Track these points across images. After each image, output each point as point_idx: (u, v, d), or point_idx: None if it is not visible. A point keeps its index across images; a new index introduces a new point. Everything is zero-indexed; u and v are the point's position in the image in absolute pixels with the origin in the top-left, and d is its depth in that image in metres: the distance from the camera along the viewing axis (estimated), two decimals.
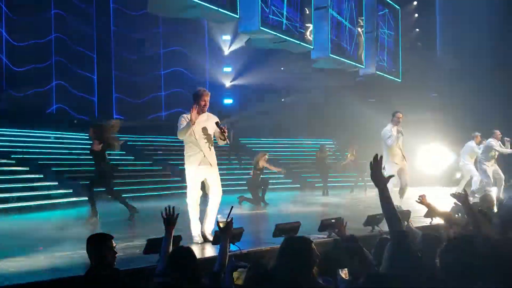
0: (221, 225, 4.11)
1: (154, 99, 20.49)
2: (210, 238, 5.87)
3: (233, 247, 5.21)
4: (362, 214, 7.15)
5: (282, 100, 22.78)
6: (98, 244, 3.60)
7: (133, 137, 17.32)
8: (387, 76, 21.66)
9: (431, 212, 7.04)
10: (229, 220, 4.15)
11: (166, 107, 20.51)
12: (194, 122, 5.81)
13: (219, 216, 6.17)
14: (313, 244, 3.34)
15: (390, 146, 9.02)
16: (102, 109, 18.72)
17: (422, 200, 5.65)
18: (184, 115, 6.00)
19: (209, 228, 6.11)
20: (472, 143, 12.75)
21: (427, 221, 7.29)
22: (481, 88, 19.00)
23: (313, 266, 3.25)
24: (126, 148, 16.34)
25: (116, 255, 3.66)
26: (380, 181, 3.33)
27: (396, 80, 22.09)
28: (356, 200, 13.27)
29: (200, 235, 6.04)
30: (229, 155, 18.03)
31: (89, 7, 18.42)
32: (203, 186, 6.20)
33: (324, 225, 6.06)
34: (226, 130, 5.97)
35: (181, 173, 16.13)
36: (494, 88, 18.94)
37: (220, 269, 3.69)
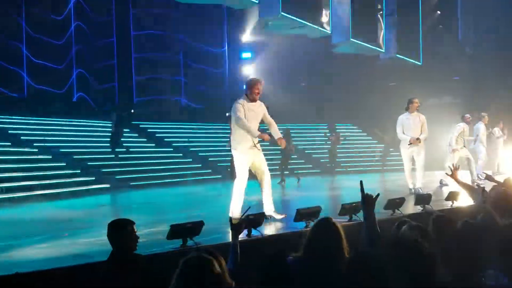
0: (234, 221, 3.98)
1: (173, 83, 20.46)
2: (277, 216, 6.33)
3: (255, 232, 5.22)
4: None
5: (302, 84, 22.59)
6: (119, 230, 3.62)
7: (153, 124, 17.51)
8: (408, 59, 21.31)
9: (453, 194, 7.08)
10: (243, 217, 4.11)
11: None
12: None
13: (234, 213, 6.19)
14: (339, 226, 3.37)
15: (398, 135, 9.48)
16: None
17: (453, 173, 5.34)
18: (240, 102, 6.32)
19: (272, 207, 6.44)
20: (480, 125, 12.57)
21: (447, 204, 7.20)
22: (501, 72, 18.63)
23: (343, 247, 3.27)
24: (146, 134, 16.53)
25: (138, 240, 3.68)
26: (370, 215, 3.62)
27: (417, 63, 21.72)
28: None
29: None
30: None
31: None
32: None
33: (345, 209, 6.04)
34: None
35: (202, 160, 16.50)
36: None
37: (234, 267, 3.64)
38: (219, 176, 15.52)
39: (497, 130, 13.74)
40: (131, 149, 15.34)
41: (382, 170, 17.48)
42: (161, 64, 19.71)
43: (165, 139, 17.38)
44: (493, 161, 13.53)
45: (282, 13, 15.07)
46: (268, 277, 3.11)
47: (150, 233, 5.79)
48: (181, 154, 16.79)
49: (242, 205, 6.25)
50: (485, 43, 20.39)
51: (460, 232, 3.39)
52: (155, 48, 19.43)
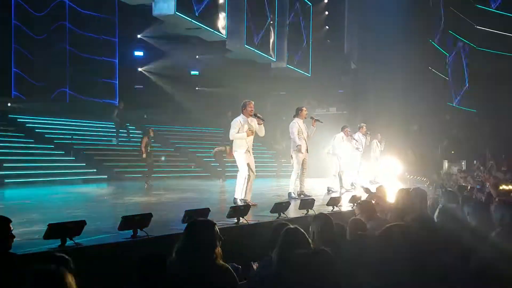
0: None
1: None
2: (252, 203, 7.99)
3: (141, 233, 5.11)
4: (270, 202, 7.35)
5: (197, 88, 22.51)
6: None
7: None
8: (297, 70, 22.27)
9: (336, 200, 7.57)
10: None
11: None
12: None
13: None
14: (216, 227, 3.39)
15: (294, 138, 9.75)
16: None
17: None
18: (239, 120, 8.39)
19: (249, 197, 8.38)
20: (358, 134, 13.24)
21: (328, 209, 7.61)
22: (381, 87, 20.09)
23: (215, 248, 3.30)
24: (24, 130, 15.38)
25: (14, 239, 3.47)
26: None
27: (306, 75, 22.78)
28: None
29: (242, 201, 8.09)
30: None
31: None
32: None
33: (233, 212, 6.12)
34: (260, 115, 8.52)
35: (87, 158, 15.75)
36: (397, 86, 20.19)
37: None
38: (105, 177, 14.94)
39: (375, 142, 14.82)
40: (6, 145, 14.25)
41: (277, 175, 18.12)
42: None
43: (46, 135, 16.33)
44: (371, 170, 14.53)
45: (177, 13, 14.97)
46: (146, 279, 3.04)
47: (26, 232, 5.43)
48: (63, 152, 15.87)
49: (244, 191, 8.23)
50: (368, 58, 21.82)
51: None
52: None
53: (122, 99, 18.42)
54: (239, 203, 7.87)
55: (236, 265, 4.01)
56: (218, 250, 3.32)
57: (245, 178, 8.31)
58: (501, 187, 9.17)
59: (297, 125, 9.75)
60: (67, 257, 3.01)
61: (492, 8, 29.12)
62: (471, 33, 29.75)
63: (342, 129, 12.16)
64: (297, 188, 9.82)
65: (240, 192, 8.28)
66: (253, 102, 8.56)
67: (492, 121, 26.87)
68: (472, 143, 24.55)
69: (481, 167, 20.63)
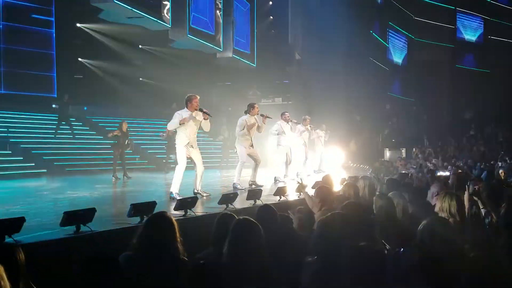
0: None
1: None
2: (204, 194, 8.42)
3: (84, 228, 4.99)
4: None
5: (140, 79, 22.04)
6: None
7: None
8: (243, 60, 22.31)
9: (281, 190, 7.72)
10: None
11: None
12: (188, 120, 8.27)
13: None
14: (174, 220, 3.38)
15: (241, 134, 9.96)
16: None
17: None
18: (181, 113, 8.28)
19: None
20: (300, 127, 13.09)
21: (276, 199, 7.73)
22: (326, 78, 20.47)
23: (178, 243, 3.30)
24: None
25: None
26: None
27: (252, 65, 22.85)
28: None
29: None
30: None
31: None
32: None
33: (181, 204, 6.11)
34: (206, 110, 8.51)
35: (24, 152, 15.15)
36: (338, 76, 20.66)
37: None
38: (44, 170, 14.44)
39: (319, 131, 15.07)
40: None
41: (221, 166, 18.12)
42: None
43: None
44: (315, 160, 14.82)
45: (115, 1, 14.61)
46: (97, 276, 2.91)
47: None
48: None
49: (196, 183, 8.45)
50: (311, 49, 22.13)
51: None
52: None
53: (65, 91, 17.76)
54: (176, 196, 7.84)
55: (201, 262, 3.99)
56: (181, 245, 3.31)
57: (182, 171, 8.30)
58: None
59: (244, 122, 9.92)
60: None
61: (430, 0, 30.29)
62: (410, 24, 30.85)
63: (282, 115, 11.97)
64: (242, 179, 9.91)
65: (176, 185, 8.25)
66: (198, 97, 8.53)
67: (428, 109, 28.11)
68: (411, 131, 25.56)
69: (419, 155, 21.56)
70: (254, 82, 21.71)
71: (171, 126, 8.42)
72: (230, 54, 21.33)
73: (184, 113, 8.34)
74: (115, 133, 13.71)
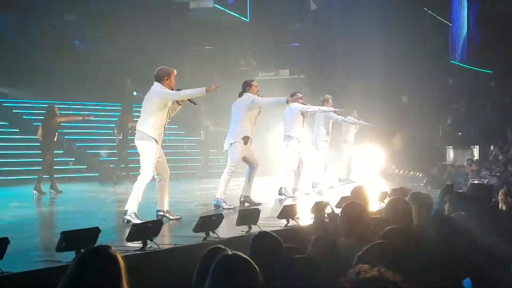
0: None
1: None
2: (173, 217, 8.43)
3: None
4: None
5: (76, 43, 22.07)
6: None
7: None
8: (230, 12, 22.22)
9: (290, 210, 7.70)
10: None
11: None
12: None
13: None
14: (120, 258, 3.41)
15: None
16: None
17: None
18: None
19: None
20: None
21: (282, 223, 7.73)
22: (361, 40, 20.55)
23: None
24: None
25: None
26: None
27: (243, 20, 22.80)
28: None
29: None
30: None
31: None
32: None
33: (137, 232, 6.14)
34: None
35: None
36: None
37: None
38: None
39: (350, 119, 14.37)
40: None
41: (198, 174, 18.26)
42: None
43: None
44: (341, 164, 14.79)
45: None
46: None
47: None
48: None
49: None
50: None
51: None
52: None
53: None
54: (132, 218, 7.82)
55: None
56: None
57: (147, 181, 8.27)
58: None
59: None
60: None
61: None
62: None
63: (292, 97, 11.18)
64: (230, 193, 9.96)
65: (135, 203, 8.16)
66: (175, 72, 8.56)
67: None
68: (488, 120, 25.30)
69: (501, 156, 21.49)
70: (247, 46, 21.71)
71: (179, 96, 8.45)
72: (210, 3, 21.29)
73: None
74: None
